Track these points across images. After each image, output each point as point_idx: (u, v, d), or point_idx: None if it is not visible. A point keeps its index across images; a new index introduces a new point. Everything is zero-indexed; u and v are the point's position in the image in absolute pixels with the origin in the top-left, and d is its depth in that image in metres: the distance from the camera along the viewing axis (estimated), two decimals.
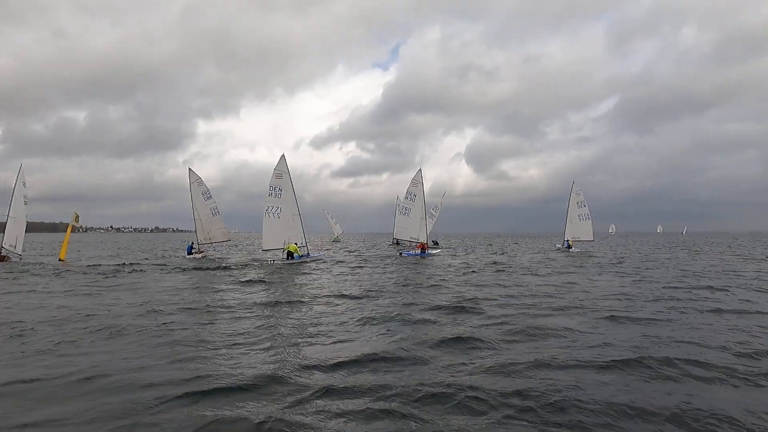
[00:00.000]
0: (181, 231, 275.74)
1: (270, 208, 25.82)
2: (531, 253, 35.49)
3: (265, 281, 17.11)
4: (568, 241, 37.48)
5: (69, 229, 29.18)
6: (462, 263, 25.80)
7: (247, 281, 17.05)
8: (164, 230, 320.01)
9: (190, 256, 30.30)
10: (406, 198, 32.43)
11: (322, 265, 24.44)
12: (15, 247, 26.69)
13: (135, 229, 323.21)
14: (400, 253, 31.86)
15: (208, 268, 22.36)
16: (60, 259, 27.13)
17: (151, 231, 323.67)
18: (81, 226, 28.22)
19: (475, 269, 22.00)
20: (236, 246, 53.39)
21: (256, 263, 25.39)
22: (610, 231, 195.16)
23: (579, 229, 37.37)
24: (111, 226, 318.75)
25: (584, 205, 37.13)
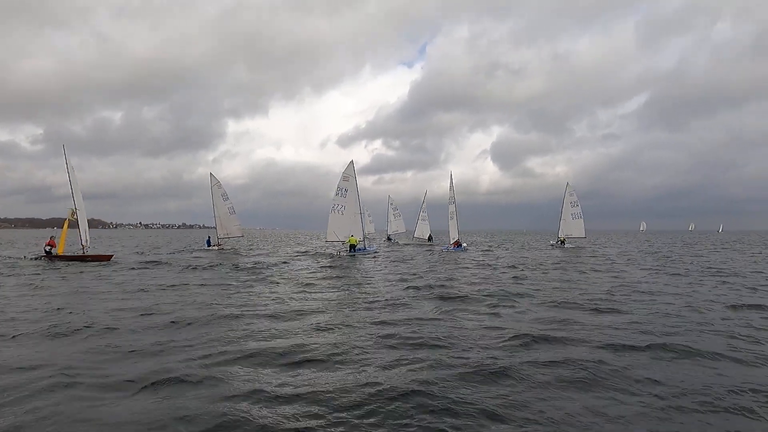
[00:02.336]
0: (208, 227, 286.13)
1: (336, 205, 30.50)
2: (526, 251, 38.56)
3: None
4: (559, 238, 40.50)
5: (65, 225, 28.78)
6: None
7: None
8: (191, 227, 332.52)
9: (209, 249, 35.06)
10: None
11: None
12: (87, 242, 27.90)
13: (163, 226, 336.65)
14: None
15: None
16: (58, 254, 27.56)
17: (179, 227, 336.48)
18: (76, 220, 27.65)
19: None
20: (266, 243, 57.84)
21: (327, 254, 30.25)
22: (640, 229, 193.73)
23: (572, 227, 40.31)
24: (140, 223, 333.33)
25: (577, 205, 40.10)
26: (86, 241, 27.05)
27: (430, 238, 48.62)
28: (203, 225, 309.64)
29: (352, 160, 31.14)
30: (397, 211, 56.20)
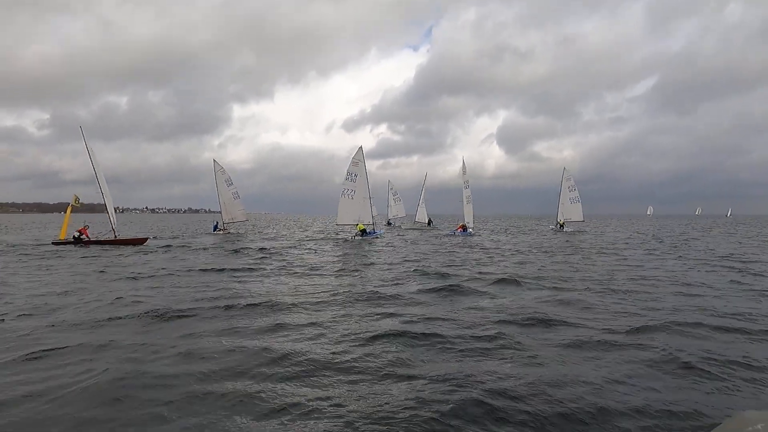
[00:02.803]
0: (214, 212, 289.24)
1: (346, 190, 31.56)
2: (527, 235, 39.47)
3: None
4: (558, 222, 41.44)
5: (69, 210, 28.78)
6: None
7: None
8: (197, 211, 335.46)
9: (215, 233, 36.35)
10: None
11: None
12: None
13: (169, 210, 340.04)
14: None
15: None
16: (60, 239, 27.56)
17: (185, 212, 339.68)
18: (80, 205, 27.28)
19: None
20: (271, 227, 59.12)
21: (339, 239, 31.26)
22: (647, 213, 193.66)
23: (570, 211, 41.22)
24: (146, 207, 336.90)
25: (574, 189, 40.93)
26: (115, 224, 27.44)
27: (429, 223, 48.86)
28: (209, 210, 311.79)
29: (361, 146, 32.13)
30: (397, 196, 56.78)
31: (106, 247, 24.57)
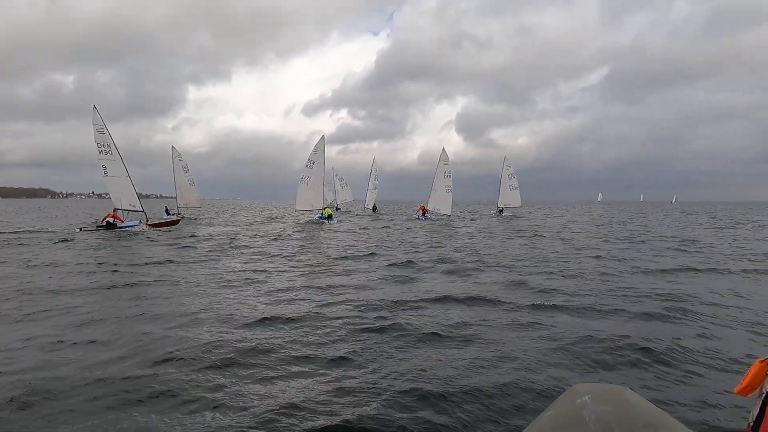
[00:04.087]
0: (165, 197, 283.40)
1: (304, 176, 33.59)
2: (474, 221, 42.86)
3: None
4: (498, 207, 45.40)
5: None
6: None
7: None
8: (147, 196, 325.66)
9: (167, 217, 37.90)
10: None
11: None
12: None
13: None
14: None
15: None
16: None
17: None
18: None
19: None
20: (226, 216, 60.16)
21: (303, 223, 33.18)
22: (598, 199, 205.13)
23: (509, 197, 45.19)
24: (92, 192, 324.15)
25: (513, 177, 44.86)
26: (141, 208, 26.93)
27: (374, 209, 50.44)
28: (160, 195, 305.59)
29: (324, 135, 34.21)
30: (343, 181, 58.54)
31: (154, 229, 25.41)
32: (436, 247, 18.20)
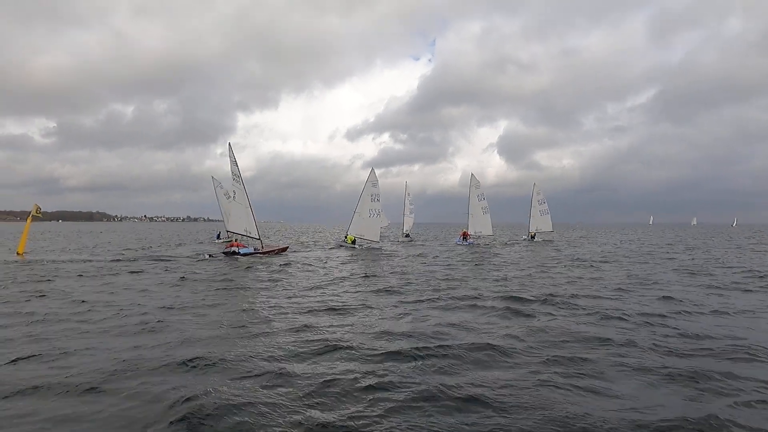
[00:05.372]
0: (212, 221, 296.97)
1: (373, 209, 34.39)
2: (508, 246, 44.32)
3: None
4: (530, 233, 46.81)
5: (29, 221, 28.08)
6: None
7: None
8: (195, 219, 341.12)
9: (218, 241, 41.93)
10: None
11: None
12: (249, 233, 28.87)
13: (168, 218, 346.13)
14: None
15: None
16: (18, 254, 26.65)
17: (183, 220, 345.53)
18: (41, 216, 28.75)
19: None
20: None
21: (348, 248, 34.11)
22: (649, 222, 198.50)
23: (541, 222, 46.61)
24: (144, 216, 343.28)
25: (544, 202, 46.26)
26: (258, 234, 28.78)
27: (407, 236, 49.61)
28: (208, 218, 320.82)
29: (373, 168, 34.88)
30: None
31: (265, 257, 26.43)
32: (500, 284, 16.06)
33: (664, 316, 10.70)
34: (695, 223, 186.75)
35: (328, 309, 11.41)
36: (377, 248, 34.24)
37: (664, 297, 13.25)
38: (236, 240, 28.24)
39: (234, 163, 28.60)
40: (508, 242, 44.40)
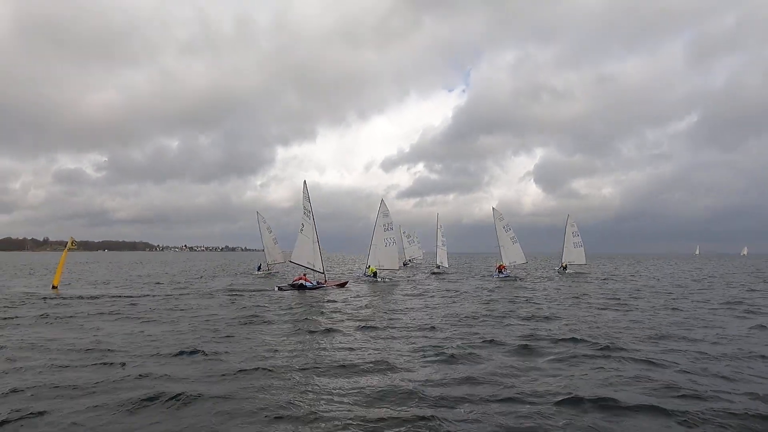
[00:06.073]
0: (250, 250, 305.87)
1: (387, 238, 35.57)
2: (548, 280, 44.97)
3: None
4: (562, 264, 47.21)
5: (64, 254, 28.18)
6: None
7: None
8: (233, 249, 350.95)
9: (258, 273, 44.30)
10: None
11: None
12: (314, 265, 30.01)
13: (207, 248, 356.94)
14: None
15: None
16: (53, 286, 26.60)
17: (222, 250, 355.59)
18: (76, 248, 30.33)
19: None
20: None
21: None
22: (696, 252, 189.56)
23: (574, 254, 47.02)
24: (185, 245, 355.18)
25: (577, 235, 46.75)
26: (322, 268, 30.17)
27: (437, 267, 48.66)
28: (245, 248, 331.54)
29: (383, 199, 35.50)
30: (410, 238, 60.36)
31: (329, 289, 27.78)
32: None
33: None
34: (745, 253, 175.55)
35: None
36: (402, 277, 35.77)
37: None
38: (304, 274, 28.75)
39: (306, 198, 30.23)
40: (542, 276, 44.50)
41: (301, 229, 30.07)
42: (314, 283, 28.45)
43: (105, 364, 10.02)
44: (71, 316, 16.77)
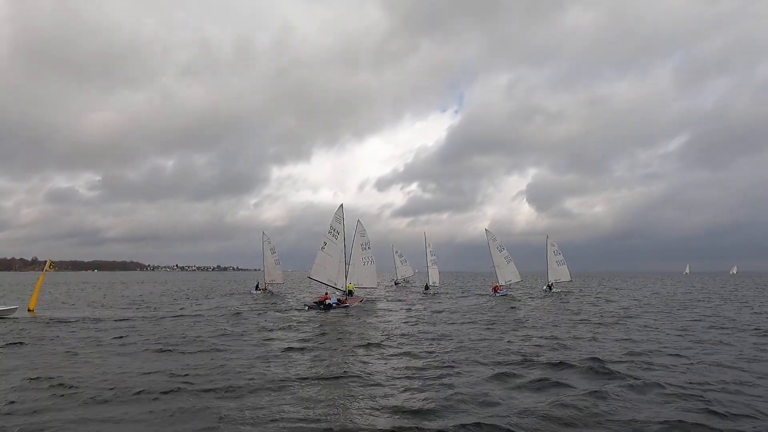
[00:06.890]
0: (242, 269, 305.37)
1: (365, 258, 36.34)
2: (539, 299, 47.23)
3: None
4: (548, 283, 49.79)
5: (42, 277, 28.07)
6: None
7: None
8: (225, 269, 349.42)
9: (257, 292, 46.61)
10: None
11: None
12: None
13: (198, 268, 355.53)
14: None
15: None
16: (29, 310, 26.24)
17: (213, 269, 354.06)
18: (54, 270, 32.85)
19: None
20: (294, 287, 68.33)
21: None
22: (685, 271, 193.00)
23: (558, 272, 49.77)
24: (176, 265, 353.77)
25: (559, 253, 49.45)
26: (344, 286, 31.84)
27: (426, 287, 50.03)
28: (237, 267, 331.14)
29: (359, 220, 36.44)
30: (402, 258, 62.61)
31: (351, 307, 30.00)
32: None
33: None
34: (735, 272, 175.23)
35: None
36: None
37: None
38: (326, 293, 30.00)
39: (338, 220, 32.42)
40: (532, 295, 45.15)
41: (323, 247, 31.42)
42: (335, 300, 29.92)
43: None
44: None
